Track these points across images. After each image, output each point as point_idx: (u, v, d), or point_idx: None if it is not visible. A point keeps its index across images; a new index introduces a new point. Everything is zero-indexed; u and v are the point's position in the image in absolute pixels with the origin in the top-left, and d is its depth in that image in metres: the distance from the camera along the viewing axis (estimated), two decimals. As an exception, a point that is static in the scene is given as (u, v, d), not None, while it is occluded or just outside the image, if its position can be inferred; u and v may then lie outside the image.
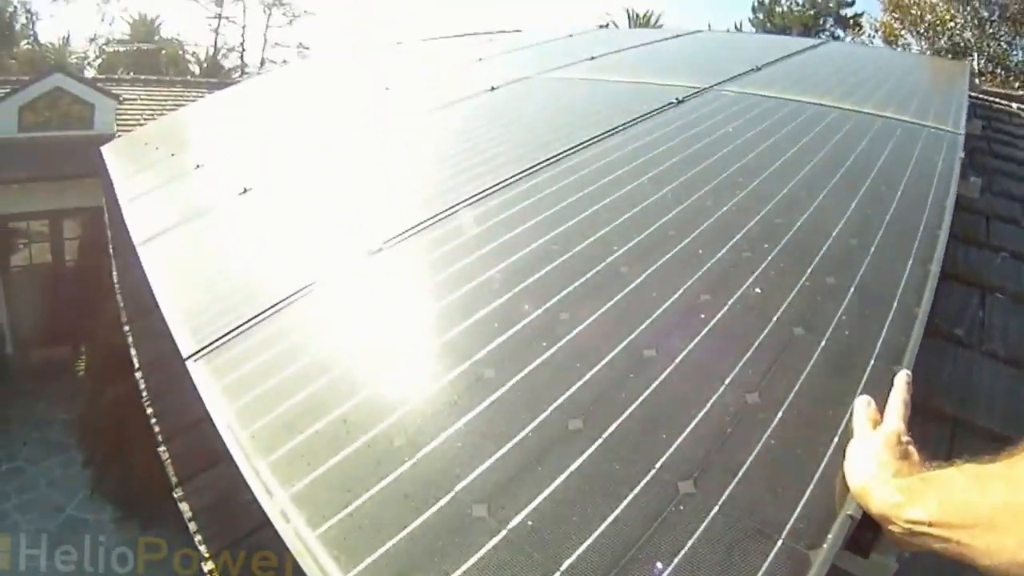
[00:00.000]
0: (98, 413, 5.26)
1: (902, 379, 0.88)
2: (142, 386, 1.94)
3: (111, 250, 3.46)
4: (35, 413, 6.43)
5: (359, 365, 1.07)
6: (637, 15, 20.42)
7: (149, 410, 1.70)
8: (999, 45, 13.52)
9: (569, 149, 1.89)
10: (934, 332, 1.35)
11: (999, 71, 13.19)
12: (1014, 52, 13.55)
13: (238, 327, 1.25)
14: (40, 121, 9.40)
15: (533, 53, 4.48)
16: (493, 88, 3.08)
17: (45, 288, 8.18)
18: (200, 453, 1.24)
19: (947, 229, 1.38)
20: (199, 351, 1.21)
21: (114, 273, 3.20)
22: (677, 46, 4.33)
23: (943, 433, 1.16)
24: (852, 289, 1.13)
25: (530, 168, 1.78)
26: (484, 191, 1.66)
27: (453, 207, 1.60)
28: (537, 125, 2.27)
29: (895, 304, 1.09)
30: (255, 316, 1.27)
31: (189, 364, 1.18)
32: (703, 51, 4.25)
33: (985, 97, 3.85)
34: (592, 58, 3.69)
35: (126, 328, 2.53)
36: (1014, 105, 3.70)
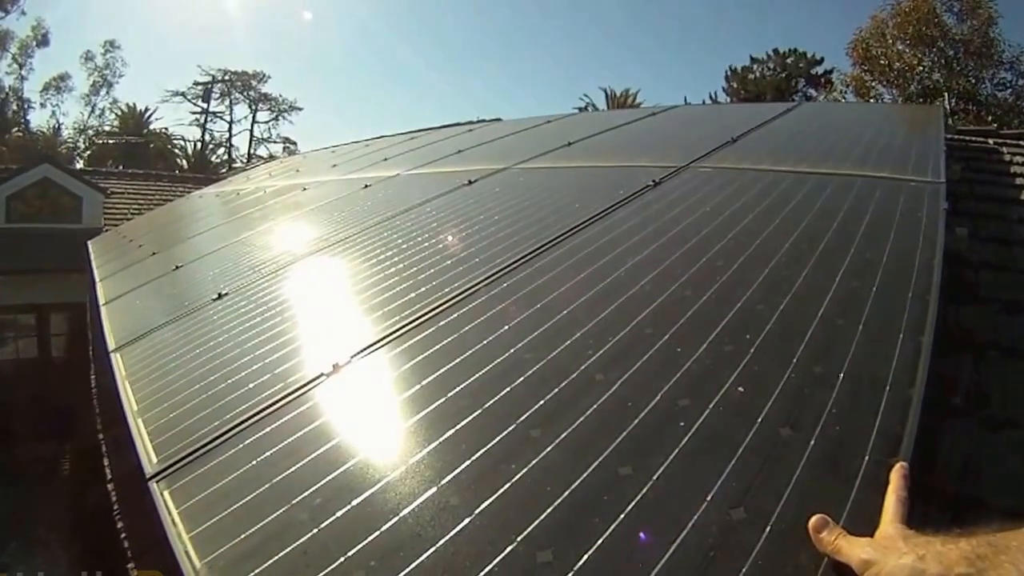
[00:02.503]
0: (81, 518, 5.08)
1: (898, 473, 0.81)
2: (113, 499, 1.91)
3: (90, 352, 3.44)
4: (21, 511, 6.09)
5: (321, 492, 1.01)
6: (615, 94, 21.24)
7: (119, 524, 1.68)
8: (968, 81, 13.93)
9: (544, 245, 1.89)
10: (931, 404, 1.27)
11: (971, 107, 13.52)
12: (982, 86, 13.95)
13: (202, 446, 1.23)
14: (29, 212, 9.46)
15: (511, 142, 4.62)
16: (470, 182, 3.14)
17: (32, 382, 8.02)
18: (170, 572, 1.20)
19: (937, 295, 1.32)
20: (161, 472, 1.19)
21: (92, 377, 3.17)
22: (653, 124, 4.45)
23: (945, 515, 1.08)
24: (841, 377, 1.06)
25: (504, 268, 1.77)
26: (454, 297, 1.65)
27: (422, 316, 1.58)
28: (513, 221, 2.28)
29: (888, 387, 1.02)
30: (220, 435, 1.25)
31: (151, 485, 1.17)
32: (679, 127, 4.36)
33: (961, 137, 3.87)
34: (569, 144, 3.79)
35: (100, 437, 2.50)
36: (990, 141, 3.71)
